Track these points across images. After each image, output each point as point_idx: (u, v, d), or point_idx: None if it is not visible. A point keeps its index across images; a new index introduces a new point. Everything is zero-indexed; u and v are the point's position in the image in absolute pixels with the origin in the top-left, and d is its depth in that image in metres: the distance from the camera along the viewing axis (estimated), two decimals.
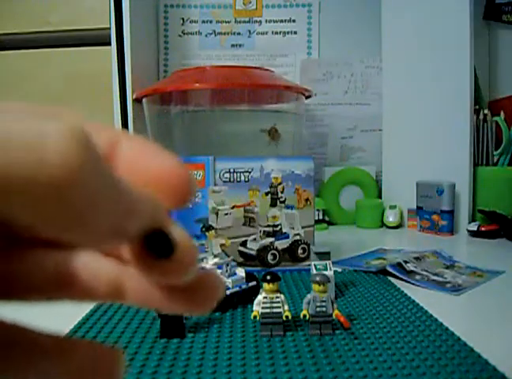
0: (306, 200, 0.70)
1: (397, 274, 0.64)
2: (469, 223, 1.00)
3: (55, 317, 0.46)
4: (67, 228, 0.10)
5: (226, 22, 1.30)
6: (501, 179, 1.02)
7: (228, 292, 0.52)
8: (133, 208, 0.11)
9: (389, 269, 0.65)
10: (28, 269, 0.13)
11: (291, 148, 1.07)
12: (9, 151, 0.09)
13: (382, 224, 1.11)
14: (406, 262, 0.68)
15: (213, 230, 0.65)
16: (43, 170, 0.09)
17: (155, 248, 0.12)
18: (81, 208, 0.10)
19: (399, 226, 1.10)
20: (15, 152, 0.09)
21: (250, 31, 1.30)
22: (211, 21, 1.30)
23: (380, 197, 1.20)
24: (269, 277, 0.44)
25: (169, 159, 0.13)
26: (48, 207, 0.10)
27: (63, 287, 0.13)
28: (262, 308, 0.44)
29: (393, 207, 1.10)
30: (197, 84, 0.92)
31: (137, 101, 1.04)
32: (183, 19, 1.30)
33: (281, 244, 0.70)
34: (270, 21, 1.30)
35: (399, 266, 0.66)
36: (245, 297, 0.53)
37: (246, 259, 0.69)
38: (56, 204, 0.10)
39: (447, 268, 0.69)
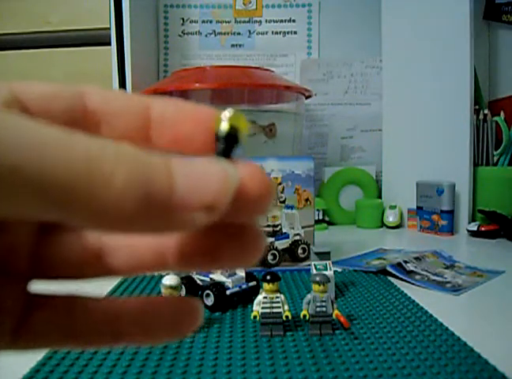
0: (306, 200, 0.70)
1: (397, 274, 0.64)
2: (469, 223, 1.00)
3: None
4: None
5: (226, 22, 1.30)
6: (501, 179, 1.02)
7: (228, 292, 0.52)
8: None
9: (389, 269, 0.65)
10: (65, 250, 0.14)
11: (291, 148, 1.07)
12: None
13: (382, 224, 1.11)
14: (406, 262, 0.68)
15: None
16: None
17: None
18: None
19: (399, 226, 1.10)
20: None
21: (250, 31, 1.30)
22: (211, 21, 1.30)
23: (380, 197, 1.20)
24: (269, 277, 0.44)
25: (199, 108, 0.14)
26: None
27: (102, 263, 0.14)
28: (262, 308, 0.44)
29: (393, 207, 1.10)
30: (197, 84, 0.92)
31: None
32: (183, 19, 1.30)
33: (281, 244, 0.70)
34: (270, 21, 1.30)
35: (399, 266, 0.66)
36: (245, 297, 0.53)
37: None
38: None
39: (447, 268, 0.69)
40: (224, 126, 0.13)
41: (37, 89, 0.13)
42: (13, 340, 0.13)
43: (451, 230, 1.00)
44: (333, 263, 0.56)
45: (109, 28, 1.05)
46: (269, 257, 0.69)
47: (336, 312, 0.44)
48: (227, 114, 0.13)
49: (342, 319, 0.44)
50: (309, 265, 0.64)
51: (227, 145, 0.13)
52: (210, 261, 0.13)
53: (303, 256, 0.70)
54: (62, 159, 0.10)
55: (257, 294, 0.46)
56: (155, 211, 0.11)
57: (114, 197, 0.10)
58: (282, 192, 0.69)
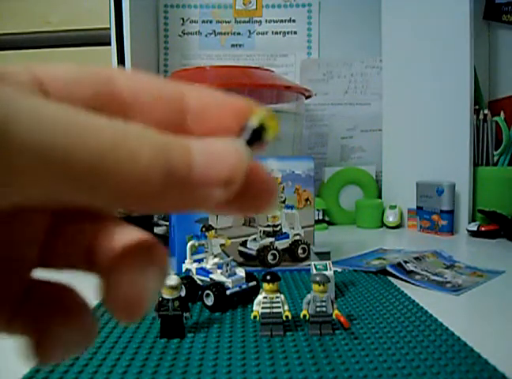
0: (306, 200, 0.70)
1: (397, 274, 0.64)
2: (469, 223, 1.00)
3: None
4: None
5: (226, 22, 1.30)
6: (501, 179, 1.02)
7: (228, 292, 0.52)
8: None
9: (389, 269, 0.65)
10: (71, 241, 0.14)
11: (291, 148, 1.07)
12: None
13: (382, 224, 1.11)
14: (406, 262, 0.68)
15: (213, 230, 0.65)
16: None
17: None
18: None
19: (399, 226, 1.10)
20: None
21: (250, 31, 1.30)
22: (211, 21, 1.30)
23: (380, 197, 1.20)
24: (269, 277, 0.44)
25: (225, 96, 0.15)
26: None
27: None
28: (262, 308, 0.44)
29: (393, 207, 1.10)
30: (197, 84, 0.92)
31: None
32: (183, 19, 1.30)
33: (281, 244, 0.70)
34: (270, 21, 1.30)
35: (399, 266, 0.66)
36: (245, 297, 0.53)
37: (246, 259, 0.69)
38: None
39: (447, 268, 0.69)
40: (255, 120, 0.13)
41: (61, 73, 0.13)
42: (8, 325, 0.13)
43: (451, 230, 1.00)
44: (333, 263, 0.56)
45: (109, 28, 1.05)
46: (269, 257, 0.69)
47: (336, 312, 0.44)
48: (262, 111, 0.14)
49: (342, 319, 0.44)
50: (309, 265, 0.64)
51: (250, 138, 0.13)
52: (233, 210, 0.14)
53: (303, 256, 0.70)
54: (88, 139, 0.10)
55: (257, 294, 0.46)
56: (177, 186, 0.11)
57: (140, 173, 0.11)
58: (282, 192, 0.69)
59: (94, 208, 0.12)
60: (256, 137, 0.13)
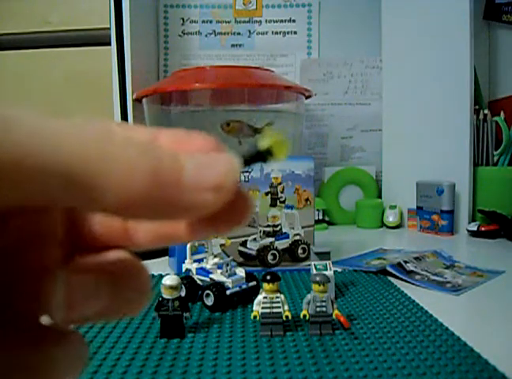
0: (306, 200, 0.70)
1: (397, 274, 0.64)
2: (469, 223, 1.00)
3: None
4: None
5: (226, 22, 1.30)
6: (501, 179, 1.02)
7: (228, 292, 0.52)
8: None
9: (389, 269, 0.65)
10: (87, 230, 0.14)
11: (291, 148, 1.07)
12: None
13: (382, 224, 1.11)
14: (406, 262, 0.68)
15: None
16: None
17: None
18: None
19: (399, 226, 1.10)
20: None
21: (250, 31, 1.30)
22: (211, 21, 1.30)
23: (380, 197, 1.20)
24: (269, 277, 0.44)
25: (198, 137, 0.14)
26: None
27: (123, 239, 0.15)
28: (262, 308, 0.44)
29: (393, 207, 1.10)
30: (197, 84, 0.92)
31: (137, 101, 1.04)
32: (183, 19, 1.30)
33: (281, 244, 0.70)
34: (270, 21, 1.30)
35: (399, 266, 0.66)
36: (245, 297, 0.53)
37: (246, 259, 0.69)
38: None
39: (447, 268, 0.69)
40: (265, 143, 0.14)
41: None
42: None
43: (451, 230, 1.00)
44: (333, 263, 0.56)
45: (109, 28, 1.05)
46: (269, 257, 0.69)
47: (336, 312, 0.44)
48: (274, 135, 0.14)
49: (342, 319, 0.44)
50: (309, 265, 0.64)
51: (255, 157, 0.14)
52: (213, 228, 0.14)
53: (303, 256, 0.70)
54: (73, 143, 0.10)
55: (257, 294, 0.46)
56: (164, 187, 0.11)
57: (123, 173, 0.11)
58: (282, 192, 0.69)
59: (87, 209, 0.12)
60: (259, 159, 0.14)
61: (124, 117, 1.04)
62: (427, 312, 0.50)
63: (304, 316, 0.44)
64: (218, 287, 0.51)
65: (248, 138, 0.95)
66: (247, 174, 0.68)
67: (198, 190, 0.12)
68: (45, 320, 0.14)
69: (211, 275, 0.55)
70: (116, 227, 0.15)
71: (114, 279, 0.14)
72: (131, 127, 0.14)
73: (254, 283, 0.55)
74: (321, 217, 1.12)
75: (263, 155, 0.14)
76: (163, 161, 0.11)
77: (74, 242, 0.15)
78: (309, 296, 0.45)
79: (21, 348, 0.13)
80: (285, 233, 0.70)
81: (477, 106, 1.05)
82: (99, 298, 0.13)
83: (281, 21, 1.30)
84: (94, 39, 1.15)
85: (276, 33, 1.30)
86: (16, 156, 0.10)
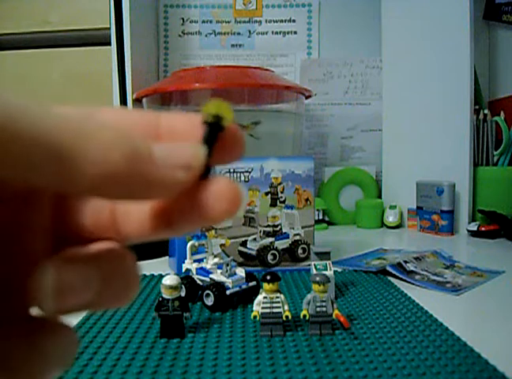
0: (306, 200, 0.70)
1: (397, 274, 0.64)
2: (469, 223, 1.00)
3: None
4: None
5: (226, 22, 1.30)
6: (501, 179, 1.02)
7: (228, 292, 0.52)
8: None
9: (389, 269, 0.65)
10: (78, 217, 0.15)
11: (291, 148, 1.07)
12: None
13: (382, 224, 1.11)
14: (406, 262, 0.68)
15: (213, 230, 0.65)
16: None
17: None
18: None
19: (399, 226, 1.10)
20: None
21: (250, 31, 1.30)
22: (211, 21, 1.30)
23: (380, 197, 1.20)
24: (269, 277, 0.44)
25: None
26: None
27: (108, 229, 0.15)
28: (262, 308, 0.44)
29: (393, 207, 1.10)
30: (197, 84, 0.92)
31: (137, 101, 1.04)
32: (183, 19, 1.30)
33: (281, 244, 0.70)
34: (270, 21, 1.30)
35: (399, 266, 0.66)
36: (245, 297, 0.53)
37: (246, 259, 0.69)
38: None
39: (447, 268, 0.69)
40: (208, 115, 0.15)
41: None
42: None
43: (451, 230, 1.00)
44: (333, 263, 0.56)
45: (109, 28, 1.05)
46: (269, 257, 0.69)
47: (336, 312, 0.44)
48: (212, 105, 0.15)
49: (342, 319, 0.44)
50: (309, 265, 0.64)
51: (211, 132, 0.15)
52: (188, 217, 0.15)
53: (303, 256, 0.70)
54: (56, 120, 0.11)
55: (257, 294, 0.46)
56: (139, 165, 0.12)
57: (101, 148, 0.12)
58: (282, 192, 0.69)
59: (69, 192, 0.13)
60: (216, 129, 0.15)
61: None
62: (427, 312, 0.50)
63: (304, 316, 0.44)
64: (218, 287, 0.51)
65: None
66: (247, 174, 0.68)
67: (170, 168, 0.13)
68: (35, 311, 0.14)
69: (211, 275, 0.55)
70: (104, 219, 0.15)
71: (102, 269, 0.14)
72: (124, 111, 0.15)
73: (254, 283, 0.55)
74: (321, 217, 1.12)
75: (217, 124, 0.15)
76: (138, 144, 0.13)
77: (63, 234, 0.15)
78: (309, 296, 0.45)
79: (11, 340, 0.13)
80: (285, 233, 0.70)
81: (477, 106, 1.05)
82: (88, 288, 0.13)
83: (281, 21, 1.30)
84: (94, 39, 1.15)
85: (276, 33, 1.30)
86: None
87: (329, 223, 1.16)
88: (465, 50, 0.98)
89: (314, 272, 0.53)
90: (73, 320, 0.47)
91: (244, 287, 0.54)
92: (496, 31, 1.23)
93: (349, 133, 1.29)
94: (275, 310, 0.44)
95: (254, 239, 0.69)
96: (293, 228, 0.70)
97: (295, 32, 1.30)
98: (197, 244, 0.60)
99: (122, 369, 0.37)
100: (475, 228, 0.95)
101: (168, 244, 0.72)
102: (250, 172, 0.68)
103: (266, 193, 0.69)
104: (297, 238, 0.70)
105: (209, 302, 0.51)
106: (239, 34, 1.30)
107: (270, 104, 1.07)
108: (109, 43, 1.04)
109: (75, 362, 0.38)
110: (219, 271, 0.55)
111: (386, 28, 1.19)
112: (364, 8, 1.28)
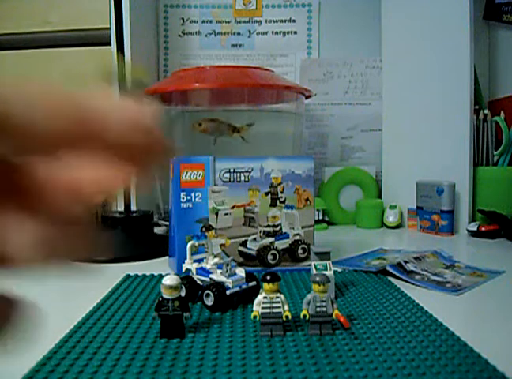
0: (306, 200, 0.70)
1: (397, 274, 0.64)
2: (469, 223, 1.00)
3: (55, 318, 0.46)
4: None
5: (226, 22, 1.30)
6: (501, 179, 1.02)
7: (228, 292, 0.52)
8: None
9: (389, 269, 0.65)
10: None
11: (291, 148, 1.07)
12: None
13: (382, 224, 1.12)
14: (406, 262, 0.68)
15: (213, 230, 0.65)
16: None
17: None
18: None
19: (399, 226, 1.10)
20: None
21: (250, 31, 1.30)
22: (211, 21, 1.30)
23: (380, 197, 1.20)
24: (269, 277, 0.44)
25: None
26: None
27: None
28: (262, 308, 0.44)
29: (393, 207, 1.10)
30: (197, 84, 0.92)
31: None
32: (183, 19, 1.30)
33: (281, 244, 0.70)
34: (270, 21, 1.30)
35: (399, 266, 0.66)
36: (245, 297, 0.53)
37: (246, 259, 0.69)
38: None
39: (447, 268, 0.69)
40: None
41: None
42: None
43: (451, 230, 1.00)
44: (333, 263, 0.56)
45: (109, 28, 1.05)
46: (269, 257, 0.69)
47: (336, 312, 0.44)
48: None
49: (342, 319, 0.44)
50: (309, 265, 0.64)
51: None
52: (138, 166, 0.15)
53: (303, 256, 0.70)
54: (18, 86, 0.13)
55: (257, 294, 0.46)
56: (89, 123, 0.13)
57: (52, 108, 0.13)
58: (282, 192, 0.69)
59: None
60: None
61: None
62: (427, 312, 0.50)
63: (304, 316, 0.44)
64: (218, 287, 0.51)
65: (226, 137, 0.95)
66: (247, 174, 0.68)
67: (121, 124, 0.14)
68: None
69: (211, 275, 0.55)
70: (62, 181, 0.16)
71: None
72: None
73: (254, 283, 0.55)
74: (321, 217, 1.12)
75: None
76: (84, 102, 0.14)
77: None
78: (309, 296, 0.45)
79: None
80: (285, 233, 0.70)
81: (477, 106, 1.05)
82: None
83: (281, 21, 1.30)
84: (94, 39, 1.15)
85: (276, 33, 1.30)
86: None
87: (329, 223, 1.16)
88: (465, 50, 0.98)
89: (314, 272, 0.53)
90: (73, 320, 0.47)
91: (244, 287, 0.54)
92: (496, 31, 1.23)
93: (349, 133, 1.29)
94: (275, 310, 0.44)
95: (254, 239, 0.69)
96: (293, 228, 0.70)
97: (295, 32, 1.30)
98: (197, 244, 0.60)
99: (122, 369, 0.37)
100: (475, 228, 0.95)
101: (168, 244, 0.72)
102: (250, 172, 0.69)
103: (266, 193, 0.69)
104: (297, 238, 0.70)
105: (209, 302, 0.51)
106: (238, 34, 1.30)
107: (270, 104, 1.07)
108: (109, 43, 1.04)
109: (75, 361, 0.38)
110: (219, 271, 0.55)
111: (386, 28, 1.19)
112: (364, 8, 1.28)
